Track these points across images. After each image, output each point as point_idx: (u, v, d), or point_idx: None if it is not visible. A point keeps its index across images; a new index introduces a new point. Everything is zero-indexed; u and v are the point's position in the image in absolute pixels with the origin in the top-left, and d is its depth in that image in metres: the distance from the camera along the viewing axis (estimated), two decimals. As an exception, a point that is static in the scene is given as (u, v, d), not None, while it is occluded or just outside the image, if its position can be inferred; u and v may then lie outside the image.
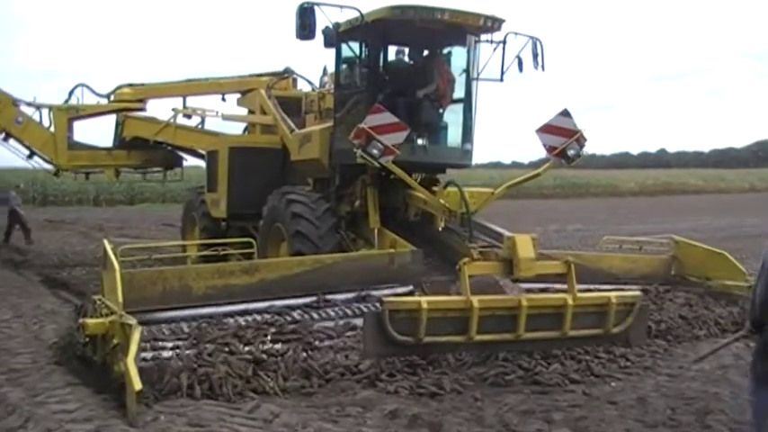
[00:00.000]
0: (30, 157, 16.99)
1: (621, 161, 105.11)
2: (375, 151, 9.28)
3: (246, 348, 7.46)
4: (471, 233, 9.10)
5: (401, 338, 6.42)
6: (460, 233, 9.90)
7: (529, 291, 8.06)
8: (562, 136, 9.83)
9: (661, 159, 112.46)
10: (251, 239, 11.75)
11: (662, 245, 12.48)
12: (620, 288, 10.53)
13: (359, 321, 8.43)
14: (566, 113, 9.90)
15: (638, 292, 7.67)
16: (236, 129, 15.73)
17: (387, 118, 9.45)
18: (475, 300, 6.62)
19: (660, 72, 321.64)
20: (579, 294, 7.01)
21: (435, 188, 10.99)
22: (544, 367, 7.57)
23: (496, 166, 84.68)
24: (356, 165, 9.98)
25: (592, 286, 10.31)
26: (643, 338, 7.39)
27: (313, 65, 24.90)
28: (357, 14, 10.60)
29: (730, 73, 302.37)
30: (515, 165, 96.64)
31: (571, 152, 9.85)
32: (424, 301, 6.52)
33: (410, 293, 9.26)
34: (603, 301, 7.17)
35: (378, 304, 6.96)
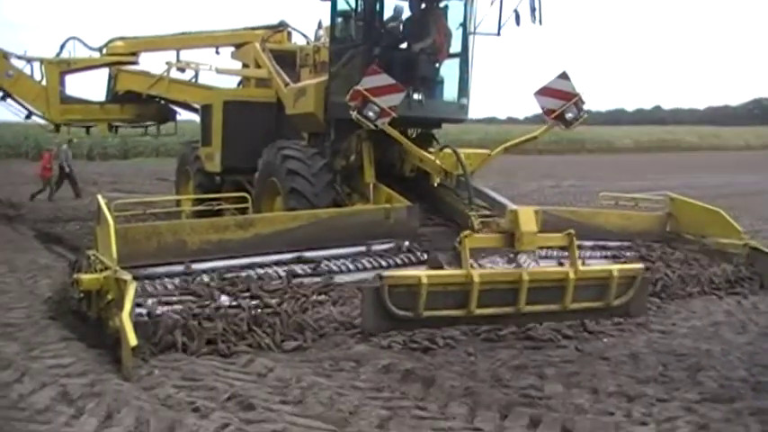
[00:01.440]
0: (28, 117, 16.88)
1: (617, 118, 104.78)
2: (371, 114, 9.24)
3: (241, 304, 7.44)
4: (471, 198, 9.03)
5: (400, 313, 6.35)
6: (456, 190, 9.89)
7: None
8: (560, 99, 9.78)
9: (656, 116, 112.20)
10: (245, 194, 11.70)
11: (657, 202, 12.48)
12: (619, 252, 10.58)
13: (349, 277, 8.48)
14: (564, 76, 9.84)
15: (640, 265, 7.62)
16: (231, 82, 15.56)
17: (383, 80, 9.37)
18: (475, 273, 6.55)
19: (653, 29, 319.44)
20: (581, 267, 6.95)
21: (432, 148, 10.94)
22: (537, 323, 7.61)
23: (491, 121, 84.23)
24: (351, 119, 9.89)
25: (589, 243, 10.37)
26: (644, 310, 7.37)
27: (308, 18, 24.60)
28: (353, -34, 10.43)
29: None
30: (511, 120, 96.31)
31: (569, 115, 9.81)
32: (424, 275, 6.44)
33: (408, 249, 9.28)
34: (605, 274, 7.10)
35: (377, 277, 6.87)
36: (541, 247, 7.55)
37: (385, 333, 6.63)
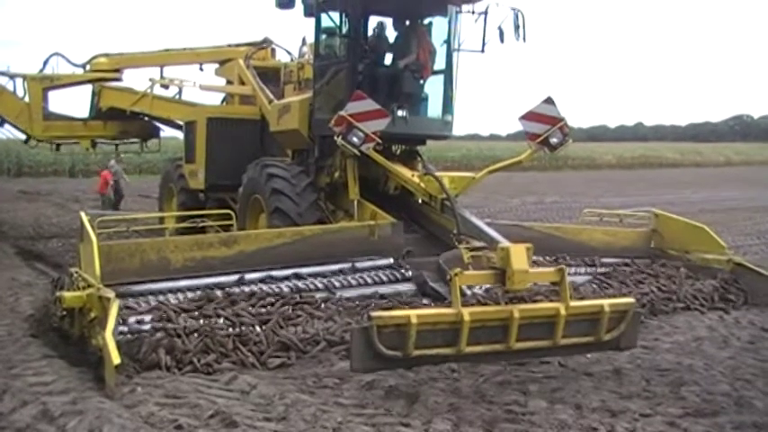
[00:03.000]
0: (26, 141, 16.81)
1: (599, 134, 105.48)
2: (355, 139, 9.36)
3: (226, 321, 7.40)
4: (459, 227, 9.01)
5: (389, 353, 6.29)
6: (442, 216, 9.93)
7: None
8: (545, 123, 9.86)
9: (638, 133, 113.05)
10: (230, 211, 11.67)
11: (642, 218, 12.53)
12: (603, 268, 10.58)
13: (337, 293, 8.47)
14: (549, 101, 9.92)
15: (631, 299, 7.56)
16: (215, 99, 15.61)
17: (368, 105, 9.45)
18: (466, 312, 6.47)
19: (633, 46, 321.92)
20: (572, 303, 6.91)
21: (415, 170, 10.99)
22: (527, 359, 7.54)
23: (474, 138, 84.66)
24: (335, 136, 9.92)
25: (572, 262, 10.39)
26: (634, 343, 7.34)
27: (292, 35, 24.67)
28: (338, -17, 10.46)
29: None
30: (493, 137, 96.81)
31: (554, 140, 9.90)
32: (413, 314, 6.36)
33: (393, 266, 9.28)
34: (596, 309, 7.06)
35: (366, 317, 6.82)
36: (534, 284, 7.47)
37: (373, 371, 6.54)
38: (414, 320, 6.26)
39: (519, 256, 6.82)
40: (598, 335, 7.06)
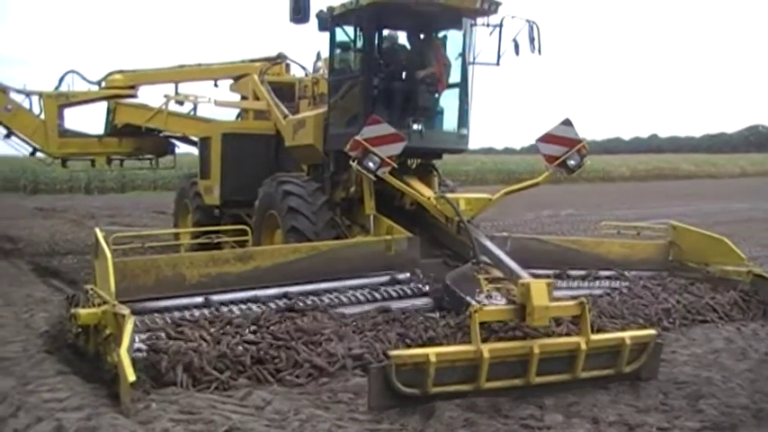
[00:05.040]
0: (33, 153, 16.87)
1: (613, 146, 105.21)
2: (371, 164, 9.42)
3: (244, 339, 7.33)
4: (477, 255, 8.85)
5: (408, 391, 6.25)
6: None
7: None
8: (563, 145, 9.81)
9: (653, 144, 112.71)
10: (245, 227, 11.65)
11: (659, 230, 12.43)
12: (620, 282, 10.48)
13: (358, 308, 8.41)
14: (567, 122, 9.88)
15: (652, 331, 7.48)
16: (229, 115, 15.62)
17: (383, 129, 9.47)
18: (485, 349, 6.40)
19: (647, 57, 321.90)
20: (592, 337, 6.83)
21: (431, 182, 11.06)
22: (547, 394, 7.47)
23: (488, 151, 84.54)
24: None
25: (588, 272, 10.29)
26: (655, 373, 7.26)
27: (307, 50, 24.71)
28: (352, -2, 10.48)
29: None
30: (508, 150, 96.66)
31: (571, 162, 9.85)
32: (432, 353, 6.31)
33: (407, 280, 9.21)
34: (617, 342, 6.99)
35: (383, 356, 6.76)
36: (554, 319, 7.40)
37: (391, 408, 6.46)
38: (432, 359, 6.21)
39: (540, 291, 6.75)
40: (619, 367, 7.00)
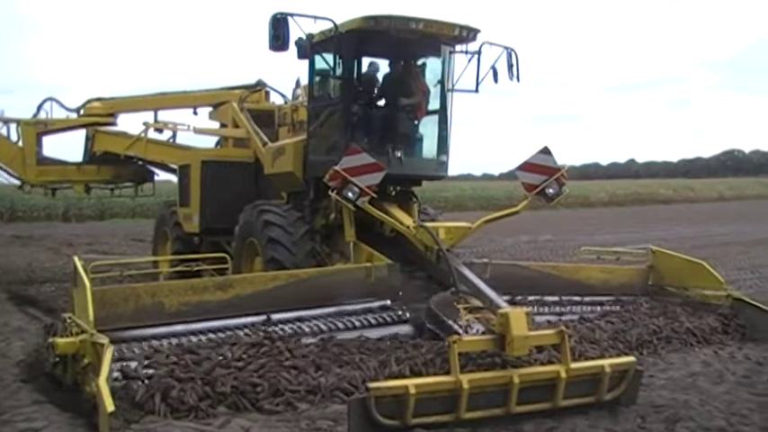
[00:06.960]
0: (21, 187, 16.76)
1: (591, 172, 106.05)
2: (350, 194, 9.43)
3: (223, 367, 7.28)
4: (456, 285, 8.83)
5: (387, 422, 6.24)
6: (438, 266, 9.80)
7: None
8: (542, 174, 9.86)
9: (630, 169, 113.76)
10: (225, 254, 11.60)
11: (639, 255, 12.50)
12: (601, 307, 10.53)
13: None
14: (546, 151, 9.92)
15: (632, 358, 7.52)
16: (209, 142, 15.59)
17: (362, 159, 9.50)
18: (464, 379, 6.42)
19: (622, 82, 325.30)
20: (572, 365, 6.86)
21: (411, 209, 11.07)
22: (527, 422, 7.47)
23: (467, 177, 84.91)
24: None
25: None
26: (634, 400, 7.29)
27: (286, 77, 24.76)
28: (331, 25, 10.49)
29: (689, 83, 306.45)
30: (486, 177, 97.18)
31: (550, 191, 9.87)
32: (411, 384, 6.31)
33: (387, 307, 9.20)
34: (597, 370, 7.03)
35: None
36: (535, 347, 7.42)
37: None
38: (412, 390, 6.20)
39: (519, 321, 6.77)
40: (599, 395, 7.02)
